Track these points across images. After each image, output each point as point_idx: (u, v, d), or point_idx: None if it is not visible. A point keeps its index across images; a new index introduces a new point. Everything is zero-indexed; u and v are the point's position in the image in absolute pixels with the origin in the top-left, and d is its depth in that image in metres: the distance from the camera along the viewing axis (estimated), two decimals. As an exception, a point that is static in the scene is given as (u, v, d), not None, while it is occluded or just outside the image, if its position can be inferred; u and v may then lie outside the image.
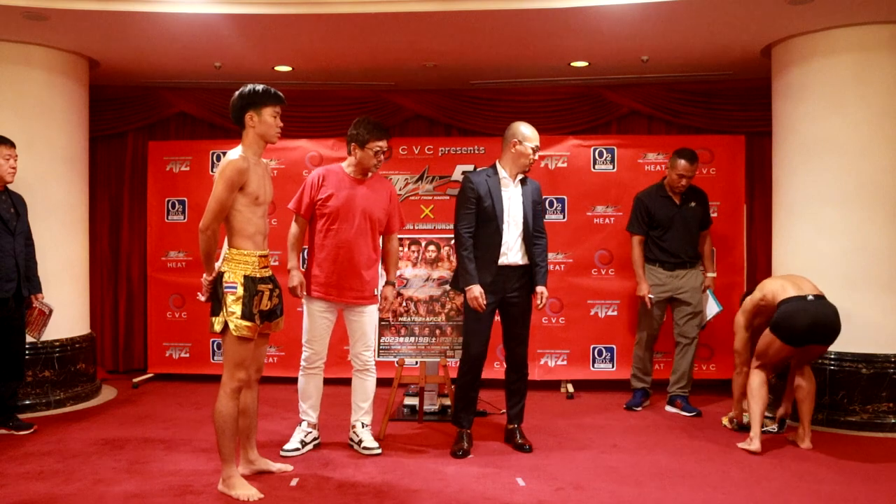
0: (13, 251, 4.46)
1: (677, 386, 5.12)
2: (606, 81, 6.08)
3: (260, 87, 3.41)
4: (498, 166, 4.16)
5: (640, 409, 5.14)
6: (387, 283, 4.26)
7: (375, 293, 4.16)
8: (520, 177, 4.16)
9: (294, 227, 4.18)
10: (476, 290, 4.01)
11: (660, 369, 5.65)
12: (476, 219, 4.07)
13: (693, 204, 5.11)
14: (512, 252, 4.09)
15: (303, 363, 4.16)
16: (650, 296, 5.08)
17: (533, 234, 4.15)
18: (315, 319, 4.12)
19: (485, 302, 3.99)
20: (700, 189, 5.22)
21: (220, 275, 3.35)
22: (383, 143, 4.09)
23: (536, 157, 4.13)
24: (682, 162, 4.97)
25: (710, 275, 5.26)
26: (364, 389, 4.16)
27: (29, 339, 4.99)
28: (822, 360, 4.71)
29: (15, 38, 4.96)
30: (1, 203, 4.50)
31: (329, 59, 5.50)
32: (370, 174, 4.18)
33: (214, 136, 6.32)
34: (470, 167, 4.20)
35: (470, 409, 4.19)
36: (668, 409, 5.09)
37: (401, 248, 4.81)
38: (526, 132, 4.08)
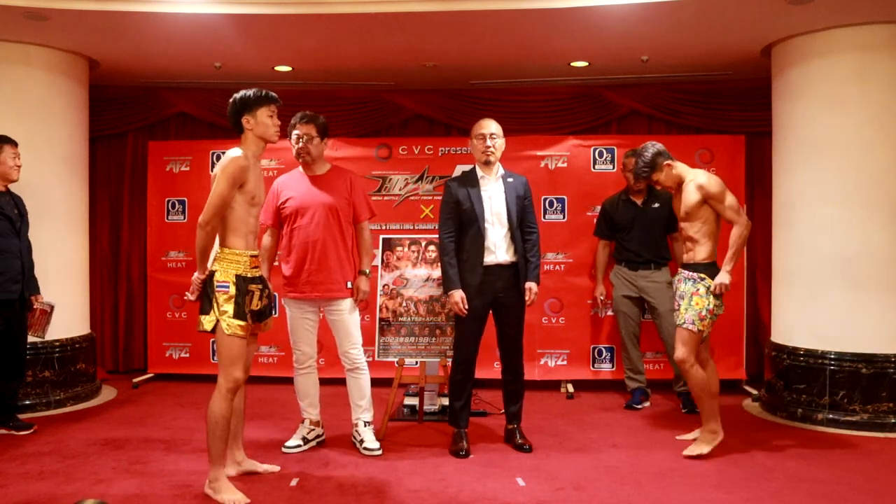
0: (19, 252, 4.47)
1: (676, 385, 5.17)
2: (606, 81, 6.08)
3: (251, 91, 3.45)
4: (476, 167, 4.21)
5: (640, 407, 5.14)
6: (359, 272, 4.21)
7: (349, 286, 4.13)
8: (501, 172, 4.18)
9: (266, 239, 4.21)
10: (456, 296, 4.05)
11: (659, 369, 5.66)
12: (460, 222, 4.11)
13: (656, 205, 5.16)
14: (499, 251, 4.09)
15: (294, 364, 4.20)
16: (600, 297, 5.47)
17: (524, 230, 4.17)
18: (296, 321, 4.16)
19: (466, 306, 4.03)
20: (667, 192, 5.24)
21: (211, 274, 3.35)
22: (299, 130, 4.15)
23: (493, 143, 4.10)
24: (629, 160, 5.15)
25: None
26: (359, 388, 4.16)
27: (29, 339, 4.99)
28: (822, 360, 4.72)
29: (15, 38, 4.96)
30: (5, 204, 4.50)
31: (329, 59, 5.50)
32: (326, 168, 4.19)
33: (214, 136, 6.32)
34: (470, 167, 4.23)
35: (465, 409, 4.20)
36: (684, 410, 5.06)
37: (400, 248, 4.82)
38: (474, 127, 4.18)
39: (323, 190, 4.11)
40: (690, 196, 4.02)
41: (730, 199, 4.01)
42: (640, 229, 5.18)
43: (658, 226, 5.18)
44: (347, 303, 4.14)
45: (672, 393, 5.28)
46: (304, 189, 4.13)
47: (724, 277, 4.00)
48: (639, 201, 5.21)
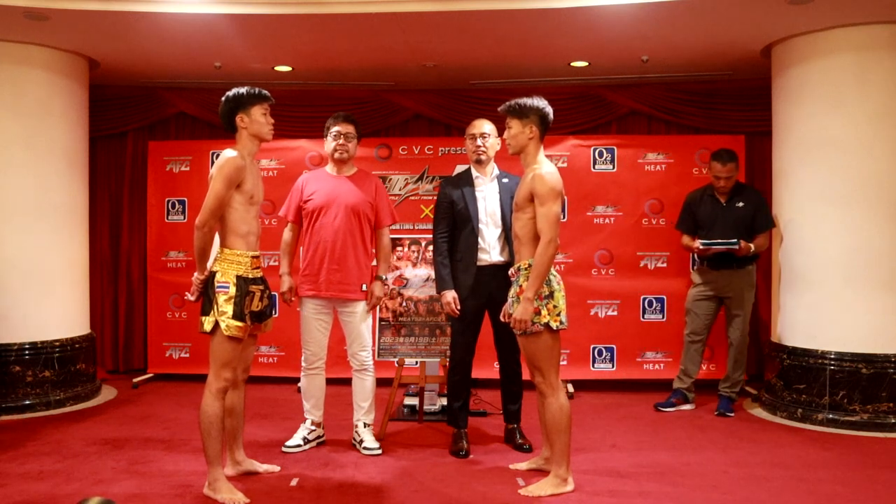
0: None
1: (722, 385, 5.08)
2: (606, 81, 6.08)
3: (244, 89, 3.45)
4: (471, 167, 4.22)
5: (670, 410, 5.04)
6: (376, 277, 4.25)
7: (364, 289, 4.15)
8: (496, 172, 4.20)
9: (286, 234, 4.26)
10: (448, 296, 4.07)
11: (660, 369, 5.66)
12: (454, 222, 4.14)
13: (740, 204, 4.98)
14: (493, 251, 4.09)
15: (303, 363, 4.20)
16: (698, 244, 4.95)
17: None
18: (309, 321, 4.15)
19: (458, 307, 4.05)
20: (755, 190, 5.15)
21: (212, 274, 3.35)
22: (340, 127, 4.14)
23: (483, 143, 4.13)
24: (715, 164, 4.97)
25: None
26: (363, 389, 4.17)
27: (30, 339, 5.01)
28: (821, 360, 4.72)
29: (15, 38, 4.95)
30: None
31: (329, 59, 5.50)
32: (353, 171, 4.23)
33: (214, 136, 6.31)
34: (466, 167, 4.25)
35: (464, 409, 4.21)
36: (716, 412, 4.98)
37: (400, 248, 4.82)
38: (468, 127, 4.21)
39: (349, 191, 4.14)
40: (524, 186, 3.50)
41: (553, 208, 3.41)
42: (722, 228, 4.95)
43: (742, 225, 4.94)
44: (361, 305, 4.15)
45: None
46: (330, 187, 4.14)
47: (521, 311, 3.39)
48: (723, 199, 5.02)
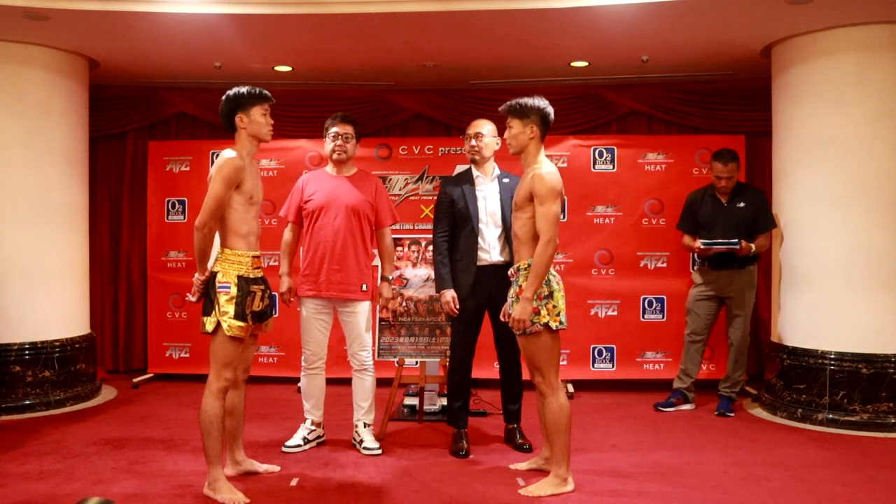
0: None
1: (722, 385, 5.09)
2: (606, 81, 6.08)
3: (245, 88, 3.44)
4: (471, 167, 4.23)
5: (670, 410, 5.05)
6: (382, 279, 4.27)
7: (364, 289, 4.15)
8: (496, 172, 4.20)
9: (287, 234, 4.26)
10: (447, 295, 4.07)
11: (659, 369, 5.66)
12: (454, 222, 4.14)
13: (741, 204, 4.97)
14: (493, 251, 4.09)
15: (303, 363, 4.20)
16: (699, 244, 4.95)
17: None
18: (309, 321, 4.15)
19: (457, 306, 4.05)
20: (756, 190, 5.14)
21: (213, 275, 3.35)
22: (338, 128, 4.15)
23: (478, 143, 4.14)
24: (717, 164, 4.97)
25: None
26: (364, 389, 4.17)
27: (29, 339, 5.01)
28: (821, 360, 4.72)
29: (15, 38, 4.95)
30: None
31: (329, 59, 5.51)
32: (353, 171, 4.24)
33: (214, 136, 6.31)
34: (466, 167, 4.26)
35: (464, 409, 4.21)
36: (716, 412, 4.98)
37: (400, 248, 4.83)
38: (467, 129, 4.21)
39: (348, 191, 4.14)
40: (523, 186, 3.51)
41: (552, 208, 3.41)
42: (723, 228, 4.94)
43: (742, 225, 4.93)
44: (362, 305, 4.15)
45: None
46: (330, 188, 4.15)
47: (520, 311, 3.39)
48: (724, 199, 5.02)
